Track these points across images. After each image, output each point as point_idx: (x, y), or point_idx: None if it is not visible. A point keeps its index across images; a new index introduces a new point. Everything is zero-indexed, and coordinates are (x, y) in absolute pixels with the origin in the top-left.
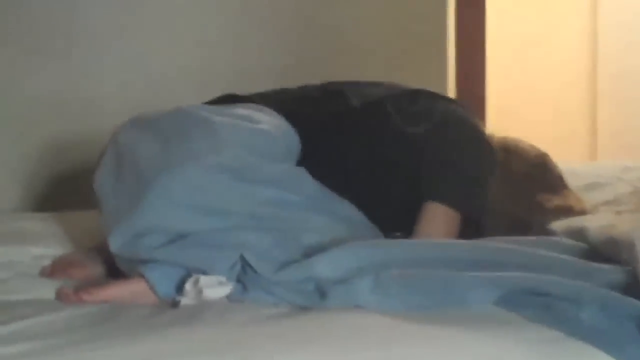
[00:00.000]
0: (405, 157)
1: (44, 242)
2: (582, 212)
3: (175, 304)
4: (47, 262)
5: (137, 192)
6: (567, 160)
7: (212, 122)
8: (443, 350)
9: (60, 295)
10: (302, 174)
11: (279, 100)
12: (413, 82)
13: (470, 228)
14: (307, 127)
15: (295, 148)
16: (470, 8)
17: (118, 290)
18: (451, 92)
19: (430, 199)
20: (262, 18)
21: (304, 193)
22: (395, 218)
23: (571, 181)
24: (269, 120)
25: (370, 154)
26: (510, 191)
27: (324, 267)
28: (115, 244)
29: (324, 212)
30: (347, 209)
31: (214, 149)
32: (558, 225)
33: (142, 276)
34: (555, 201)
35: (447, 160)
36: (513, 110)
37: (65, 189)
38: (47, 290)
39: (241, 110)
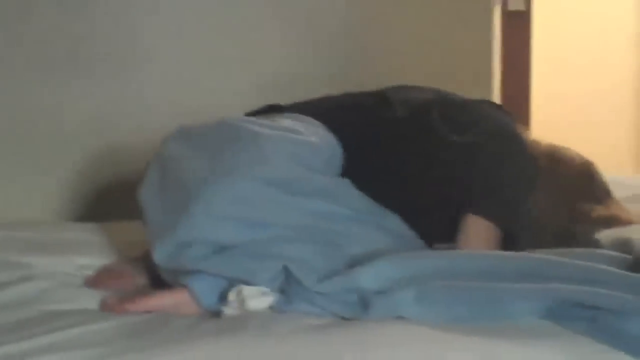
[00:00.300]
0: (449, 167)
1: (88, 252)
2: (628, 223)
3: (218, 315)
4: (91, 272)
5: (182, 205)
6: (612, 171)
7: (257, 134)
8: None
9: (104, 305)
10: (347, 186)
11: (321, 110)
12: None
13: (505, 242)
14: (350, 137)
15: (338, 159)
16: (516, 21)
17: (161, 300)
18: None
19: (473, 212)
20: (310, 32)
21: (350, 205)
22: (436, 228)
23: (617, 192)
24: (312, 131)
25: (414, 165)
26: (554, 200)
27: (368, 278)
28: (159, 256)
29: (369, 224)
30: (393, 222)
31: (259, 162)
32: (603, 235)
33: (185, 286)
34: (601, 211)
35: (492, 174)
36: (557, 123)
37: (109, 200)
38: (91, 300)
39: (284, 121)
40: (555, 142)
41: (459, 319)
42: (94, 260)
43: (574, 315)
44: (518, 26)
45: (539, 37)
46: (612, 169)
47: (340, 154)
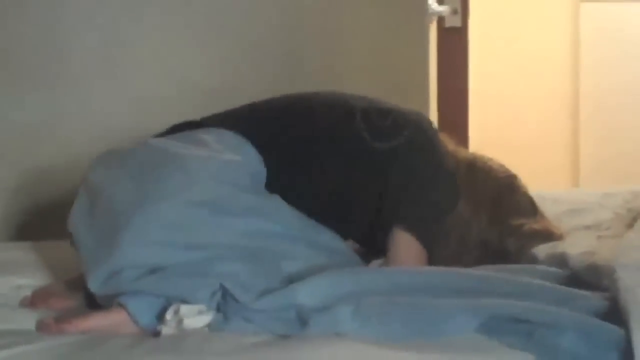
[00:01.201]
0: (374, 177)
1: (24, 272)
2: (560, 237)
3: (155, 334)
4: (27, 292)
5: (113, 233)
6: (549, 188)
7: (183, 157)
8: None
9: (40, 326)
10: (278, 202)
11: (243, 123)
12: None
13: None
14: (273, 151)
15: (262, 175)
16: (452, 40)
17: (98, 321)
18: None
19: (398, 225)
20: (247, 45)
21: (282, 222)
22: (366, 240)
23: (553, 207)
24: (235, 148)
25: (337, 174)
26: (479, 215)
27: (305, 294)
28: (94, 285)
29: (303, 240)
30: (327, 237)
31: (187, 185)
32: (538, 250)
33: (122, 306)
34: (532, 225)
35: (416, 189)
36: (495, 141)
37: (44, 218)
38: (27, 320)
39: (206, 138)
40: (479, 152)
41: (397, 335)
42: (30, 280)
43: (509, 330)
44: (454, 43)
45: (476, 54)
46: (548, 187)
47: (262, 167)
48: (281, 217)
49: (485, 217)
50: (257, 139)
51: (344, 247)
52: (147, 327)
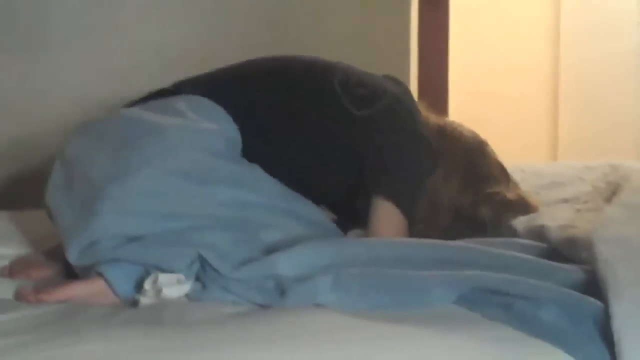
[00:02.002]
0: (351, 143)
1: (3, 241)
2: (536, 208)
3: (134, 303)
4: (5, 262)
5: (91, 203)
6: (528, 161)
7: (160, 126)
8: (402, 349)
9: (19, 295)
10: (258, 172)
11: (219, 88)
12: None
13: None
14: (249, 119)
15: (237, 141)
16: (433, 12)
17: (77, 290)
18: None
19: (379, 194)
20: (228, 10)
21: (262, 191)
22: (346, 209)
23: (533, 180)
24: (210, 116)
25: (315, 142)
26: (450, 180)
27: (285, 264)
28: (73, 257)
29: (282, 210)
30: (306, 207)
31: (165, 154)
32: (517, 223)
33: (101, 275)
34: (506, 194)
35: (394, 154)
36: (475, 115)
37: (22, 188)
38: (5, 290)
39: (181, 105)
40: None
41: (376, 306)
42: (9, 249)
43: (489, 302)
44: (436, 14)
45: (456, 26)
46: (527, 160)
47: (237, 134)
48: (260, 186)
49: (456, 183)
50: (233, 105)
51: (324, 218)
52: (125, 296)
